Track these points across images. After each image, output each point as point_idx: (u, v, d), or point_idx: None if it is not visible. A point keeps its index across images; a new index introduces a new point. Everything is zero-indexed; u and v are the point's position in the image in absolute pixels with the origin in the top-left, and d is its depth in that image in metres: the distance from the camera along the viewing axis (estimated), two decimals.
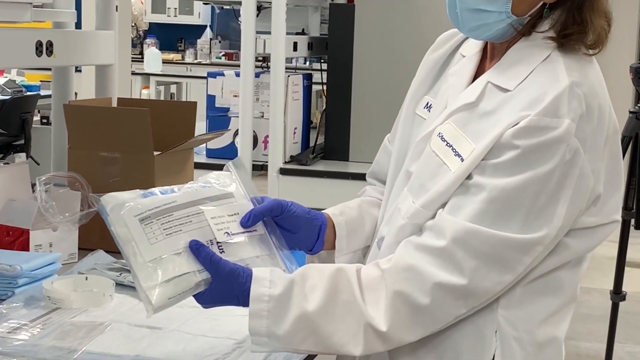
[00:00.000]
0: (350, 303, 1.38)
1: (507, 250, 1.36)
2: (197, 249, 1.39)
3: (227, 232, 1.43)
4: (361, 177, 1.81)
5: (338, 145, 3.68)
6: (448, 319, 1.39)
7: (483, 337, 1.41)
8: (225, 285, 1.38)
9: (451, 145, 1.42)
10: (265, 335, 1.37)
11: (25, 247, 2.00)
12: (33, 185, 2.08)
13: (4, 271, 1.79)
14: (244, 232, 1.45)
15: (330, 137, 3.70)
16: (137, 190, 1.44)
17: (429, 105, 1.56)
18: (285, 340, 1.38)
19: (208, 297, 1.40)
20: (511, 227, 1.35)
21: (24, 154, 2.29)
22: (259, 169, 3.64)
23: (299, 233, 1.53)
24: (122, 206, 1.40)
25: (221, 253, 1.40)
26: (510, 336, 1.41)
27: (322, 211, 1.61)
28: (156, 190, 1.44)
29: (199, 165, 2.59)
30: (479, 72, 1.51)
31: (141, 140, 2.15)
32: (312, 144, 3.79)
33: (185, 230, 1.40)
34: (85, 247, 2.09)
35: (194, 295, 1.39)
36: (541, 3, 1.43)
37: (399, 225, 1.46)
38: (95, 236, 2.00)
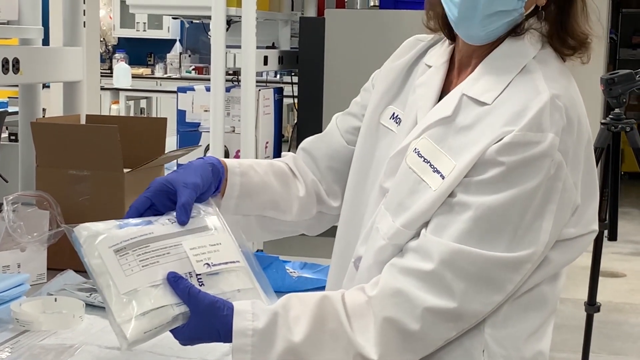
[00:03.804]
0: (337, 332, 1.34)
1: (496, 270, 1.34)
2: (175, 282, 1.33)
3: (207, 264, 1.37)
4: None
5: None
6: (438, 343, 1.36)
7: (471, 358, 1.39)
8: (204, 319, 1.33)
9: (429, 162, 1.40)
10: None
11: None
12: (1, 204, 2.04)
13: None
14: (226, 264, 1.39)
15: None
16: (112, 220, 1.39)
17: (395, 116, 1.54)
18: None
19: (187, 332, 1.34)
20: (499, 245, 1.33)
21: None
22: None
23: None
24: (96, 237, 1.35)
25: (201, 286, 1.35)
26: (498, 355, 1.39)
27: (225, 160, 1.55)
28: (132, 221, 1.40)
29: None
30: (446, 83, 1.49)
31: (110, 158, 2.11)
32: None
33: (163, 262, 1.35)
34: (54, 268, 2.04)
35: (171, 331, 1.34)
36: (534, 5, 1.42)
37: (378, 246, 1.43)
38: (65, 256, 1.95)
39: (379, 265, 1.42)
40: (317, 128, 3.75)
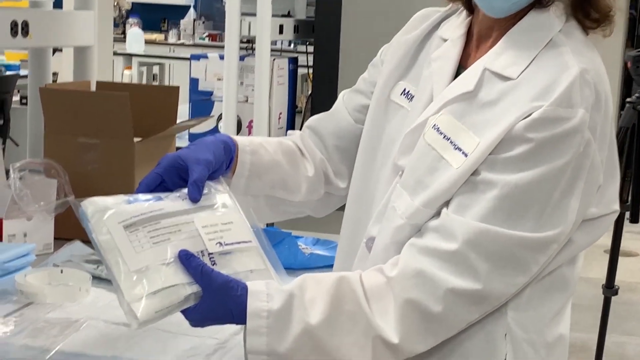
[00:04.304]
0: (356, 314, 1.29)
1: (522, 250, 1.29)
2: (187, 260, 1.27)
3: (219, 243, 1.32)
4: None
5: None
6: (460, 325, 1.31)
7: (493, 342, 1.34)
8: (217, 299, 1.27)
9: (449, 138, 1.34)
10: (265, 353, 1.28)
11: None
12: (8, 171, 1.99)
13: None
14: (238, 243, 1.33)
15: None
16: (121, 195, 1.34)
17: (406, 92, 1.47)
18: (287, 358, 1.29)
19: (198, 313, 1.28)
20: (525, 225, 1.28)
21: None
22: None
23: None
24: (105, 212, 1.29)
25: (213, 265, 1.29)
26: (521, 339, 1.34)
27: (235, 138, 1.50)
28: (141, 196, 1.34)
29: None
30: (463, 57, 1.43)
31: (121, 126, 2.06)
32: (297, 129, 3.70)
33: (174, 240, 1.29)
34: (61, 237, 2.00)
35: (182, 312, 1.29)
36: None
37: (395, 225, 1.37)
38: (72, 226, 1.88)
39: (396, 245, 1.37)
40: (331, 100, 3.67)
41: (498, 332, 1.34)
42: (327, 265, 1.96)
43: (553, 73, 1.29)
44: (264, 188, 1.54)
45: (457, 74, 1.41)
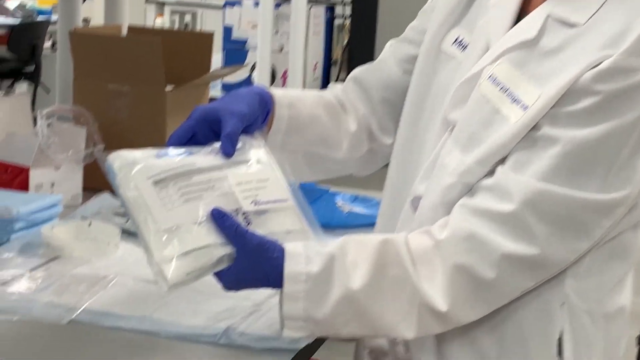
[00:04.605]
0: (401, 279, 1.21)
1: (585, 213, 1.19)
2: (220, 218, 1.19)
3: (254, 201, 1.23)
4: None
5: None
6: (514, 293, 1.22)
7: (549, 312, 1.24)
8: (252, 261, 1.19)
9: (507, 90, 1.23)
10: (302, 319, 1.20)
11: (24, 186, 1.84)
12: (36, 118, 1.91)
13: None
14: (274, 202, 1.25)
15: None
16: (150, 149, 1.25)
17: (459, 40, 1.37)
18: (326, 324, 1.21)
19: (232, 276, 1.21)
20: (589, 186, 1.18)
21: (25, 84, 2.12)
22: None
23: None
24: (133, 166, 1.20)
25: (248, 225, 1.21)
26: (579, 309, 1.25)
27: (272, 90, 1.41)
28: (172, 150, 1.25)
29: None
30: (524, 4, 1.31)
31: (152, 73, 1.97)
32: (333, 80, 3.61)
33: (206, 197, 1.20)
34: (89, 187, 1.92)
35: (215, 274, 1.21)
36: None
37: (445, 184, 1.27)
38: (101, 176, 1.80)
39: (445, 205, 1.28)
40: (369, 52, 3.59)
41: (554, 301, 1.24)
42: (366, 224, 1.87)
43: (625, 18, 1.18)
44: (303, 144, 1.45)
45: (517, 20, 1.30)
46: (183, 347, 1.28)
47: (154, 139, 1.95)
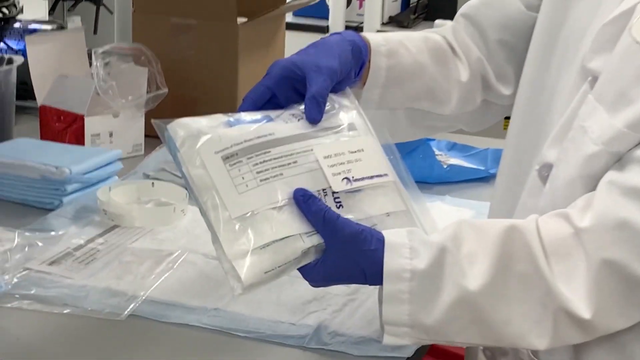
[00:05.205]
0: (531, 277, 0.97)
1: None
2: (305, 202, 0.98)
3: (346, 178, 1.00)
4: None
5: (444, 3, 3.27)
6: None
7: None
8: (345, 254, 0.98)
9: None
10: (407, 325, 0.98)
11: (79, 136, 1.64)
12: (91, 56, 1.69)
13: (50, 174, 1.42)
14: (371, 178, 1.02)
15: None
16: (218, 115, 1.03)
17: None
18: (437, 332, 0.99)
19: (320, 272, 0.99)
20: None
21: (79, 18, 1.92)
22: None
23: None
24: (198, 138, 0.98)
25: (339, 208, 0.99)
26: None
27: (367, 36, 1.19)
28: (245, 116, 1.03)
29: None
30: None
31: (222, 4, 1.74)
32: (413, 2, 3.39)
33: (288, 175, 0.98)
34: (153, 135, 1.70)
35: (299, 270, 0.99)
36: None
37: (586, 153, 1.02)
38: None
39: (585, 180, 1.03)
40: None
41: None
42: (469, 179, 1.63)
43: None
44: (405, 99, 1.22)
45: None
46: (263, 348, 1.06)
47: (225, 80, 1.75)
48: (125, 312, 1.11)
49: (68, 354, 1.04)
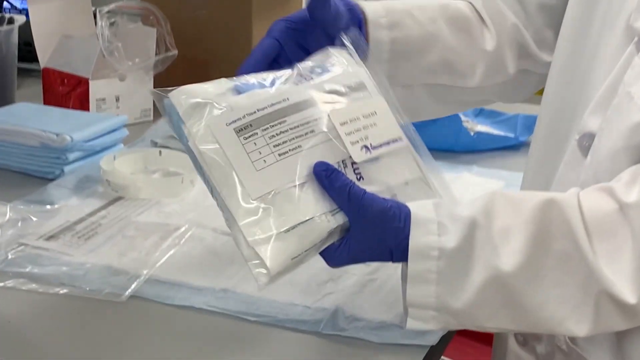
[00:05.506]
0: (570, 257, 0.87)
1: None
2: (328, 177, 0.87)
3: (365, 147, 0.89)
4: None
5: None
6: None
7: None
8: (372, 233, 0.88)
9: None
10: (433, 308, 0.89)
11: (84, 100, 1.55)
12: (95, 15, 1.59)
13: (50, 142, 1.33)
14: (387, 144, 0.91)
15: None
16: (224, 79, 0.92)
17: None
18: (466, 316, 0.89)
19: (345, 252, 0.89)
20: None
21: None
22: None
23: None
24: (205, 108, 0.87)
25: (359, 180, 0.88)
26: None
27: (363, 6, 1.09)
28: (253, 79, 0.92)
29: None
30: None
31: None
32: None
33: (306, 147, 0.87)
34: None
35: (320, 253, 0.89)
36: None
37: (632, 122, 0.92)
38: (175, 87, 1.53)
39: (632, 151, 0.93)
40: None
41: None
42: (498, 147, 1.53)
43: None
44: (418, 74, 1.12)
45: None
46: (274, 333, 0.97)
47: (238, 41, 1.65)
48: (126, 293, 1.02)
49: (63, 339, 0.95)
